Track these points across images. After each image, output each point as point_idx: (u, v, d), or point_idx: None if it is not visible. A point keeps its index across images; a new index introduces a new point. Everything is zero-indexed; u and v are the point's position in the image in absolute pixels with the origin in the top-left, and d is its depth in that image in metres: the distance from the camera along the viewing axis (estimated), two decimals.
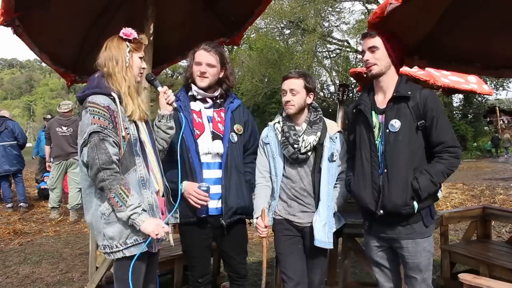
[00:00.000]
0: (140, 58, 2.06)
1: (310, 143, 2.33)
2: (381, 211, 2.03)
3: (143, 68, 2.11)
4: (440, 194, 2.10)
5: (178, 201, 2.07)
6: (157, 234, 1.82)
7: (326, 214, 2.31)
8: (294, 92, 2.35)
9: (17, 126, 7.40)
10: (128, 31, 1.99)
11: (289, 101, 2.35)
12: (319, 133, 2.36)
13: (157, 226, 1.83)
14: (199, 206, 2.28)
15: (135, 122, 1.99)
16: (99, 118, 1.83)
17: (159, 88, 2.20)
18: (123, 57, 1.97)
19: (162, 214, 2.01)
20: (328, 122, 2.47)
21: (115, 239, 1.85)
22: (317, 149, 2.36)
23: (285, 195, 2.41)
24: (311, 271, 2.42)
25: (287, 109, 2.38)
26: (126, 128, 1.90)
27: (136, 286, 1.93)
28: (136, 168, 1.89)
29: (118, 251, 1.86)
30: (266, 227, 2.35)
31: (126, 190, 1.79)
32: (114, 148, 1.83)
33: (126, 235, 1.85)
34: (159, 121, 2.19)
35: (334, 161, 2.37)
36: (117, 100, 1.91)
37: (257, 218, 2.37)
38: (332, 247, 2.34)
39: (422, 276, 2.07)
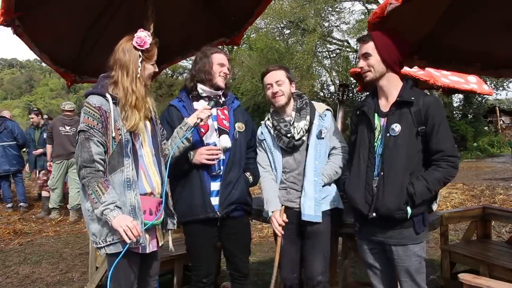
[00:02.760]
0: (152, 64, 2.03)
1: (301, 128, 2.40)
2: (374, 214, 2.02)
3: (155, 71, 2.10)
4: (434, 207, 2.08)
5: (164, 200, 2.06)
6: (125, 230, 1.78)
7: (312, 188, 2.34)
8: (280, 83, 2.43)
9: (17, 126, 7.41)
10: (141, 39, 1.93)
11: (277, 91, 2.42)
12: (308, 117, 2.43)
13: (125, 221, 1.81)
14: (215, 162, 2.32)
15: None
16: (88, 118, 1.89)
17: (210, 104, 2.31)
18: (135, 67, 1.95)
19: (151, 214, 1.98)
20: (316, 103, 2.55)
21: (97, 235, 1.89)
22: (310, 130, 2.42)
23: (284, 183, 2.47)
24: (313, 256, 2.39)
25: (278, 101, 2.43)
26: (118, 129, 1.91)
27: (127, 285, 1.93)
28: (123, 169, 1.89)
29: (101, 247, 1.90)
30: (281, 225, 2.37)
31: (103, 188, 1.82)
32: (98, 147, 1.86)
33: (105, 233, 1.88)
34: (180, 127, 2.23)
35: (323, 138, 2.41)
36: (111, 101, 1.91)
37: (270, 211, 2.40)
38: (320, 221, 2.34)
39: (413, 280, 2.05)
